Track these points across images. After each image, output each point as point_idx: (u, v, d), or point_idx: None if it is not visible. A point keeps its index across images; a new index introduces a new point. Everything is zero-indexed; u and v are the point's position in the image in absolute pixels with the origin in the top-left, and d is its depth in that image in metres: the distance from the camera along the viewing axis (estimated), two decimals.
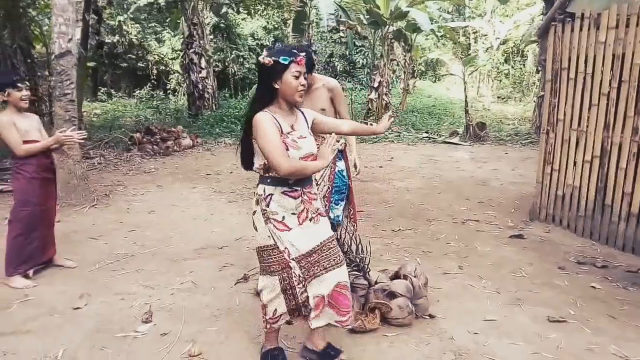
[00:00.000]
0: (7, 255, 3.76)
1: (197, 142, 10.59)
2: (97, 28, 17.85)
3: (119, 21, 19.99)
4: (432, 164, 8.93)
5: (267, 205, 2.51)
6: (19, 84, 3.74)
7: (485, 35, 22.88)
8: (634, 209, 4.44)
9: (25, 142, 3.71)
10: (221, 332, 3.13)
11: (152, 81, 22.24)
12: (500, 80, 23.68)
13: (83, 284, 3.82)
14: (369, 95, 15.58)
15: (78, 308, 3.43)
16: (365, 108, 15.50)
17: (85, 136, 4.07)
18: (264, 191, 2.52)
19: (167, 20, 20.22)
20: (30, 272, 3.84)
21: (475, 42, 24.90)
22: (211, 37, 21.02)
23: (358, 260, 3.33)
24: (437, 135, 12.31)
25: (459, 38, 25.79)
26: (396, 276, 3.53)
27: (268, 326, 2.70)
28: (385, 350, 2.92)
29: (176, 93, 21.94)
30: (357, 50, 23.93)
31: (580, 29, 4.75)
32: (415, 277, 3.48)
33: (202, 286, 3.83)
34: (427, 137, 12.01)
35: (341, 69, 23.83)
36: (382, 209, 6.02)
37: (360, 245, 3.39)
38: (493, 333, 3.15)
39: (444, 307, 3.49)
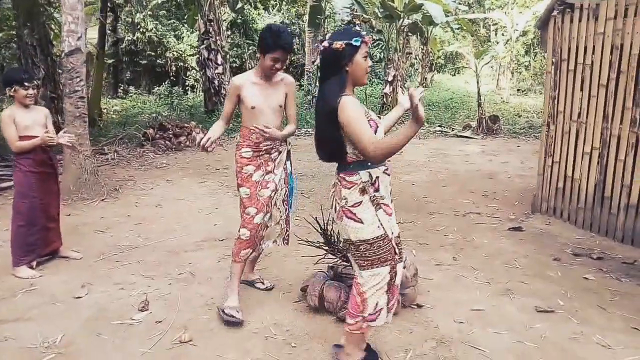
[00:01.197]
0: (11, 246, 3.95)
1: None
2: (114, 26, 18.14)
3: (138, 18, 20.35)
4: (440, 158, 8.92)
5: (377, 190, 2.42)
6: (26, 83, 3.89)
7: (505, 27, 22.56)
8: (633, 200, 4.41)
9: (24, 137, 3.87)
10: (212, 320, 3.24)
11: (171, 78, 22.57)
12: (521, 73, 23.34)
13: (86, 275, 3.97)
14: (383, 89, 15.58)
15: (79, 297, 3.58)
16: (380, 102, 15.50)
17: (74, 140, 4.24)
18: (371, 176, 2.40)
19: (185, 17, 20.45)
20: (34, 264, 4.00)
21: (495, 34, 24.57)
22: (228, 32, 21.25)
23: (345, 251, 3.40)
24: (450, 128, 12.26)
25: (478, 30, 25.54)
26: None
27: (365, 325, 2.52)
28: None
29: (194, 89, 22.22)
30: (375, 44, 23.87)
31: (580, 20, 4.72)
32: (404, 267, 3.54)
33: (199, 277, 3.95)
34: (439, 131, 11.98)
35: None
36: None
37: None
38: (478, 322, 3.19)
39: (433, 297, 3.54)
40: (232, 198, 6.38)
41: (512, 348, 2.90)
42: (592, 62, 4.65)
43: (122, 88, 22.18)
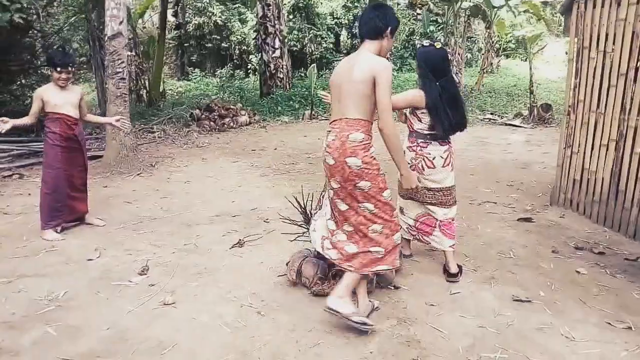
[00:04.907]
0: (40, 211, 4.41)
1: (254, 119, 11.10)
2: (176, 10, 18.85)
3: (204, 3, 21.05)
4: (479, 146, 8.76)
5: None
6: (58, 68, 4.28)
7: None
8: None
9: (52, 113, 4.30)
10: (199, 287, 3.51)
11: (235, 61, 23.20)
12: None
13: (103, 240, 4.38)
14: None
15: (90, 259, 3.97)
16: None
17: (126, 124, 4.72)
18: None
19: (249, 1, 20.87)
20: (58, 229, 4.45)
21: None
22: (290, 16, 21.52)
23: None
24: (500, 117, 11.92)
25: (553, 14, 24.23)
26: None
27: None
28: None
29: (256, 72, 22.70)
30: (439, 28, 23.32)
31: (602, 5, 4.53)
32: None
33: (202, 248, 4.24)
34: (488, 118, 11.68)
35: None
36: None
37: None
38: (449, 306, 3.24)
39: (413, 280, 3.62)
40: (257, 178, 6.65)
41: (472, 332, 2.95)
42: (613, 50, 4.46)
43: (186, 70, 23.07)
